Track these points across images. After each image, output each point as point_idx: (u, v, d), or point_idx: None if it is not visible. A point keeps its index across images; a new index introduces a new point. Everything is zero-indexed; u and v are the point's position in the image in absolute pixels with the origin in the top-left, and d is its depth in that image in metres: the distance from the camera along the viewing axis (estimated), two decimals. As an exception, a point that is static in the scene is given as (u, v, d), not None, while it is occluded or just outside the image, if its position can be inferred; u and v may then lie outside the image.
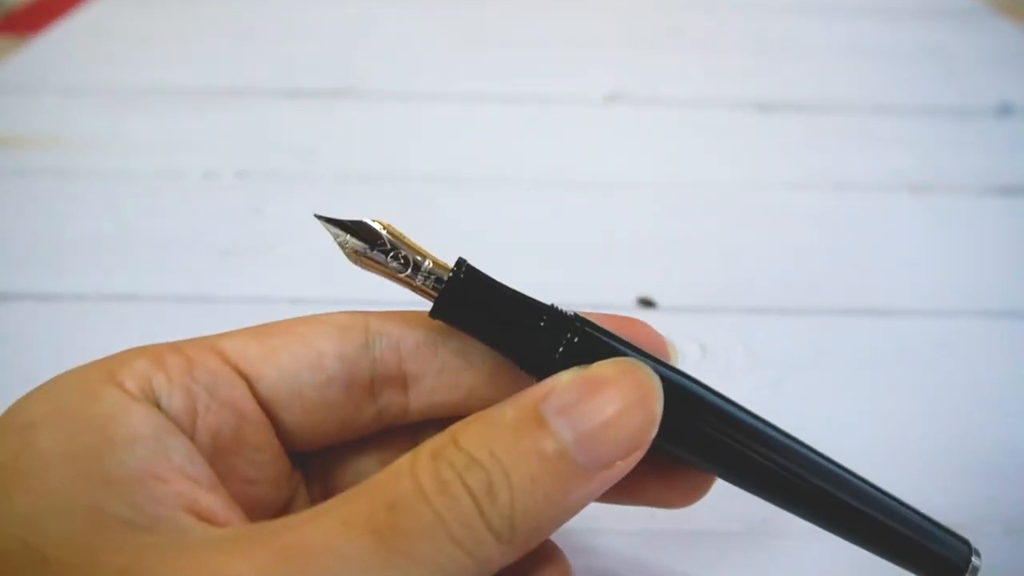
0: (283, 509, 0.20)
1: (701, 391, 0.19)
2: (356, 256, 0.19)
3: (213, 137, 0.51)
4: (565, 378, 0.17)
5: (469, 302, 0.19)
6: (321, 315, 0.20)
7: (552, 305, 0.19)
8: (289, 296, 0.38)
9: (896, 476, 0.31)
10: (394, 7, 0.72)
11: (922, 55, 0.65)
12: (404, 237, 0.19)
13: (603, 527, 0.27)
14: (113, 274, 0.39)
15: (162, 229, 0.43)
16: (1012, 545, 0.28)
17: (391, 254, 0.19)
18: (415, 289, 0.19)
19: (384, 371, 0.20)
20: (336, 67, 0.60)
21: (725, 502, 0.28)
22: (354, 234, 0.19)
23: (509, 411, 0.17)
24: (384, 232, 0.19)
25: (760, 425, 0.20)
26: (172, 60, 0.61)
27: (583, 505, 0.17)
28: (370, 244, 0.19)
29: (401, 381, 0.20)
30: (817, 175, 0.49)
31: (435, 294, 0.19)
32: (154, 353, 0.18)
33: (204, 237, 0.42)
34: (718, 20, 0.71)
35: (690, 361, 0.35)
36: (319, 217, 0.19)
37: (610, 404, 0.17)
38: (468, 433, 0.17)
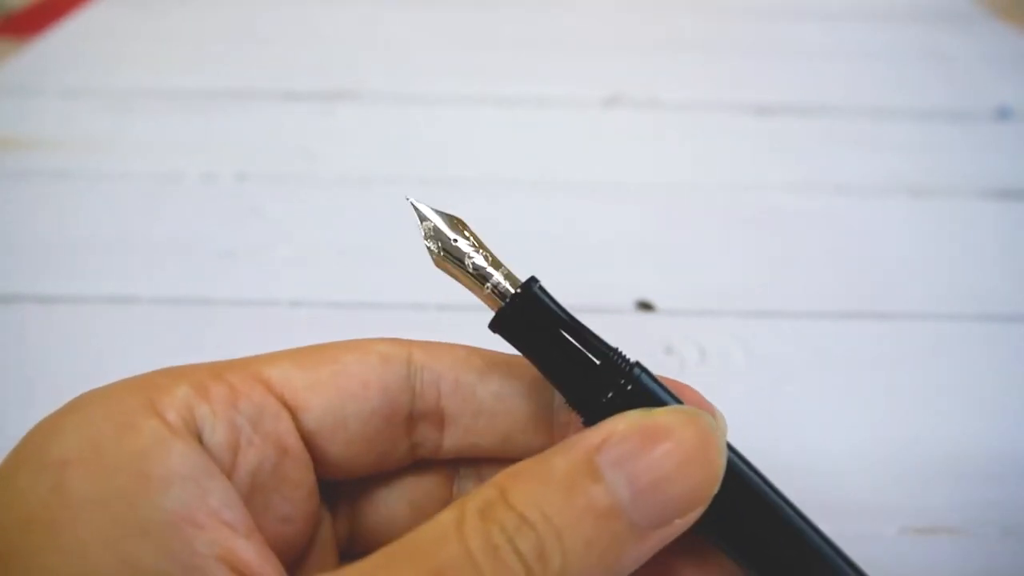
0: (308, 544, 0.20)
1: (757, 479, 0.18)
2: (436, 249, 0.19)
3: (213, 139, 0.51)
4: (621, 425, 0.16)
5: (530, 322, 0.18)
6: (362, 342, 0.20)
7: (616, 348, 0.18)
8: (288, 298, 0.38)
9: (894, 479, 0.31)
10: (394, 10, 0.72)
11: (921, 59, 0.65)
12: (485, 244, 0.19)
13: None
14: (113, 276, 0.39)
15: (162, 231, 0.43)
16: (1009, 547, 0.28)
17: (468, 256, 0.18)
18: (482, 297, 0.18)
19: (423, 406, 0.20)
20: (335, 70, 0.60)
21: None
22: (442, 224, 0.19)
23: (561, 462, 0.16)
24: (468, 230, 0.19)
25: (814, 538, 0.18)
26: (172, 62, 0.61)
27: (636, 566, 0.16)
28: (453, 239, 0.19)
29: (438, 418, 0.20)
30: (816, 178, 0.49)
31: (499, 304, 0.18)
32: (196, 381, 0.17)
33: (203, 239, 0.42)
34: (717, 24, 0.72)
35: (689, 364, 0.35)
36: (411, 202, 0.19)
37: (670, 457, 0.16)
38: (518, 490, 0.16)
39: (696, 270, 0.41)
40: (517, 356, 0.19)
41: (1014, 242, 0.44)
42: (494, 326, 0.18)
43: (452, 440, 0.20)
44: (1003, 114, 0.56)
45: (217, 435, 0.17)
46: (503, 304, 0.18)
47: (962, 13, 0.75)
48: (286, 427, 0.18)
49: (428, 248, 0.19)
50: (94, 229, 0.43)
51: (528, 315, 0.18)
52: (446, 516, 0.15)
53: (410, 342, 0.20)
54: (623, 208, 0.46)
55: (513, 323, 0.18)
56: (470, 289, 0.19)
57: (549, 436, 0.20)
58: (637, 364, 0.18)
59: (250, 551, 0.16)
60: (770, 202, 0.47)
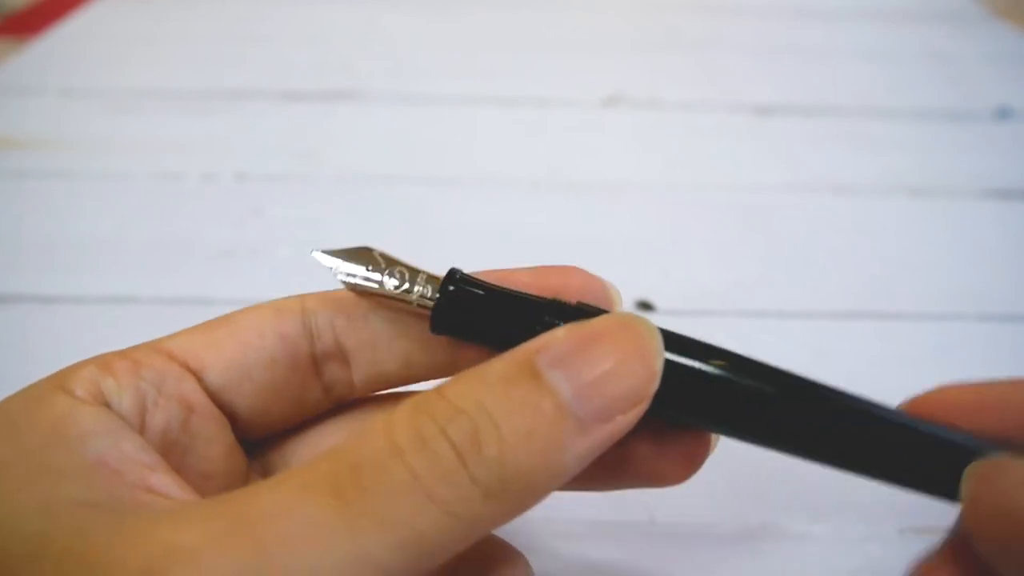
0: None
1: (694, 340, 0.18)
2: (351, 284, 0.19)
3: (212, 139, 0.51)
4: (560, 332, 0.16)
5: (467, 311, 0.18)
6: (257, 304, 0.21)
7: (554, 299, 0.18)
8: (288, 298, 0.38)
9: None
10: (394, 10, 0.72)
11: (921, 59, 0.65)
12: (396, 259, 0.19)
13: (600, 529, 0.27)
14: (112, 276, 0.39)
15: (161, 231, 0.43)
16: (1010, 548, 0.28)
17: (385, 274, 0.19)
18: (411, 310, 0.19)
19: (324, 347, 0.20)
20: (335, 69, 0.60)
21: (722, 505, 0.28)
22: (348, 260, 0.19)
23: (500, 364, 0.16)
24: (376, 254, 0.19)
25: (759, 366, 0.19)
26: (172, 62, 0.61)
27: (581, 465, 0.16)
28: (363, 267, 0.19)
29: (342, 355, 0.21)
30: (816, 178, 0.49)
31: (431, 310, 0.19)
32: (102, 360, 0.18)
33: (203, 239, 0.42)
34: (717, 23, 0.72)
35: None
36: (315, 252, 0.19)
37: (609, 356, 0.16)
38: (454, 387, 0.15)
39: (696, 270, 0.41)
40: None
41: (1014, 242, 0.44)
42: (436, 329, 0.19)
43: (360, 374, 0.21)
44: (1003, 114, 0.56)
45: (124, 402, 0.18)
46: (434, 304, 0.18)
47: (962, 13, 0.75)
48: (190, 387, 0.19)
49: (341, 281, 0.19)
50: (94, 229, 0.43)
51: (463, 306, 0.18)
52: (378, 417, 0.16)
53: (304, 295, 0.21)
54: (623, 208, 0.46)
55: (451, 318, 0.18)
56: (398, 305, 0.19)
57: (450, 352, 0.20)
58: (580, 303, 0.18)
59: (172, 484, 0.16)
60: (770, 202, 0.47)
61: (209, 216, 0.44)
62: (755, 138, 0.53)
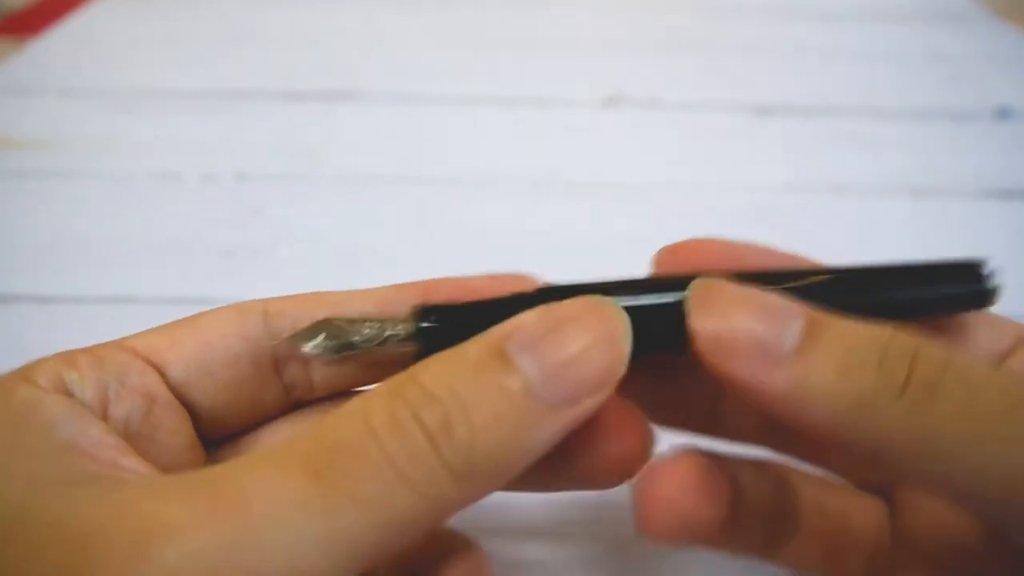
0: None
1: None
2: (334, 351, 0.19)
3: (212, 139, 0.51)
4: (530, 316, 0.17)
5: (450, 334, 0.18)
6: (224, 305, 0.21)
7: (513, 294, 0.19)
8: (288, 298, 0.38)
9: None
10: (394, 10, 0.72)
11: (921, 59, 0.65)
12: (353, 317, 0.20)
13: (598, 529, 0.27)
14: (112, 276, 0.39)
15: (161, 231, 0.43)
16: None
17: (356, 335, 0.19)
18: (395, 356, 0.19)
19: (284, 347, 0.21)
20: (335, 69, 0.60)
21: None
22: (314, 333, 0.20)
23: (472, 348, 0.16)
24: (335, 321, 0.20)
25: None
26: (171, 62, 0.61)
27: (547, 446, 0.16)
28: (336, 338, 0.19)
29: (302, 357, 0.21)
30: (816, 178, 0.49)
31: (415, 349, 0.19)
32: (65, 355, 0.19)
33: (203, 239, 0.42)
34: (717, 23, 0.72)
35: (689, 364, 0.35)
36: (277, 345, 0.20)
37: (576, 340, 0.16)
38: (427, 370, 0.16)
39: (696, 270, 0.41)
40: (371, 290, 0.21)
41: (1015, 242, 0.44)
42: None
43: (320, 375, 0.21)
44: (1003, 114, 0.56)
45: (86, 392, 0.18)
46: (421, 344, 0.19)
47: (962, 13, 0.75)
48: (152, 380, 0.19)
49: (324, 359, 0.20)
50: (94, 229, 0.43)
51: (442, 330, 0.19)
52: (355, 399, 0.16)
53: (268, 298, 0.21)
54: (623, 208, 0.46)
55: (435, 346, 0.18)
56: (384, 358, 0.19)
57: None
58: (541, 288, 0.19)
59: (140, 467, 0.17)
60: (770, 202, 0.47)
61: (209, 216, 0.44)
62: (755, 138, 0.53)
